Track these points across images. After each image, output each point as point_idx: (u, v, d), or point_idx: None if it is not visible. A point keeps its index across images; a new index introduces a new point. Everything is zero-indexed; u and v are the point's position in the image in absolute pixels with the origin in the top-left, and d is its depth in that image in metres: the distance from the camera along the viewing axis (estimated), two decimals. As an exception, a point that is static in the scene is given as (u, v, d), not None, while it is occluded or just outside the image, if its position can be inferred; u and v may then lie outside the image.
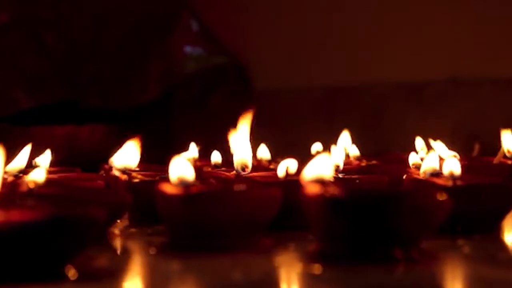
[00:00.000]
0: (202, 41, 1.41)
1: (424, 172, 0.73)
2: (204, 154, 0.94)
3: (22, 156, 0.80)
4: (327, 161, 0.61)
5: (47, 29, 1.28)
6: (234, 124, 0.79)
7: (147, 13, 1.37)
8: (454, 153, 0.89)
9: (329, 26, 1.55)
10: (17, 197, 0.61)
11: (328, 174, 0.60)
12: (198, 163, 0.90)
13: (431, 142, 0.92)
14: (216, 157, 0.90)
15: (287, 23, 1.58)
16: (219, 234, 0.61)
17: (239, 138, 0.78)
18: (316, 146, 1.02)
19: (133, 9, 1.36)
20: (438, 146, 0.91)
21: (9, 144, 0.69)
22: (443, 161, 0.72)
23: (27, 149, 0.81)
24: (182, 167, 0.63)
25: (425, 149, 0.95)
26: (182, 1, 1.42)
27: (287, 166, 0.72)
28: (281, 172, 0.72)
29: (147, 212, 0.72)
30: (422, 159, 0.81)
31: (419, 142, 0.96)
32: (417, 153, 0.90)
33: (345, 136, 0.96)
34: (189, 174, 0.63)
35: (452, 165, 0.70)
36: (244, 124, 0.77)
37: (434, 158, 0.73)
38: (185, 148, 0.95)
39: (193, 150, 0.95)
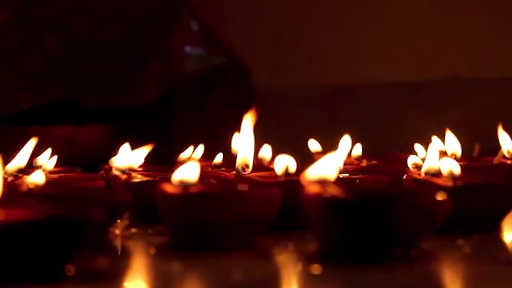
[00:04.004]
0: (202, 41, 1.41)
1: (425, 172, 0.73)
2: (205, 154, 0.94)
3: (23, 153, 0.80)
4: (333, 163, 0.60)
5: (47, 29, 1.28)
6: (234, 124, 0.79)
7: (147, 13, 1.37)
8: (455, 150, 0.89)
9: (329, 26, 1.55)
10: (17, 197, 0.61)
11: (331, 175, 0.60)
12: (199, 164, 0.90)
13: (434, 139, 0.91)
14: (219, 157, 0.90)
15: (287, 23, 1.57)
16: (219, 234, 0.61)
17: (242, 138, 0.77)
18: (313, 144, 1.02)
19: (133, 9, 1.36)
20: (438, 144, 0.91)
21: (9, 144, 0.69)
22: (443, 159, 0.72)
23: (29, 146, 0.81)
24: (188, 169, 0.63)
25: (425, 150, 0.95)
26: (182, 1, 1.42)
27: (286, 165, 0.72)
28: (278, 170, 0.72)
29: (147, 212, 0.72)
30: (422, 160, 0.81)
31: (418, 145, 0.96)
32: (416, 154, 0.90)
33: (346, 140, 0.95)
34: (193, 175, 0.63)
35: (451, 165, 0.70)
36: (248, 124, 0.77)
37: (435, 157, 0.73)
38: (185, 148, 0.95)
39: (197, 151, 0.95)
